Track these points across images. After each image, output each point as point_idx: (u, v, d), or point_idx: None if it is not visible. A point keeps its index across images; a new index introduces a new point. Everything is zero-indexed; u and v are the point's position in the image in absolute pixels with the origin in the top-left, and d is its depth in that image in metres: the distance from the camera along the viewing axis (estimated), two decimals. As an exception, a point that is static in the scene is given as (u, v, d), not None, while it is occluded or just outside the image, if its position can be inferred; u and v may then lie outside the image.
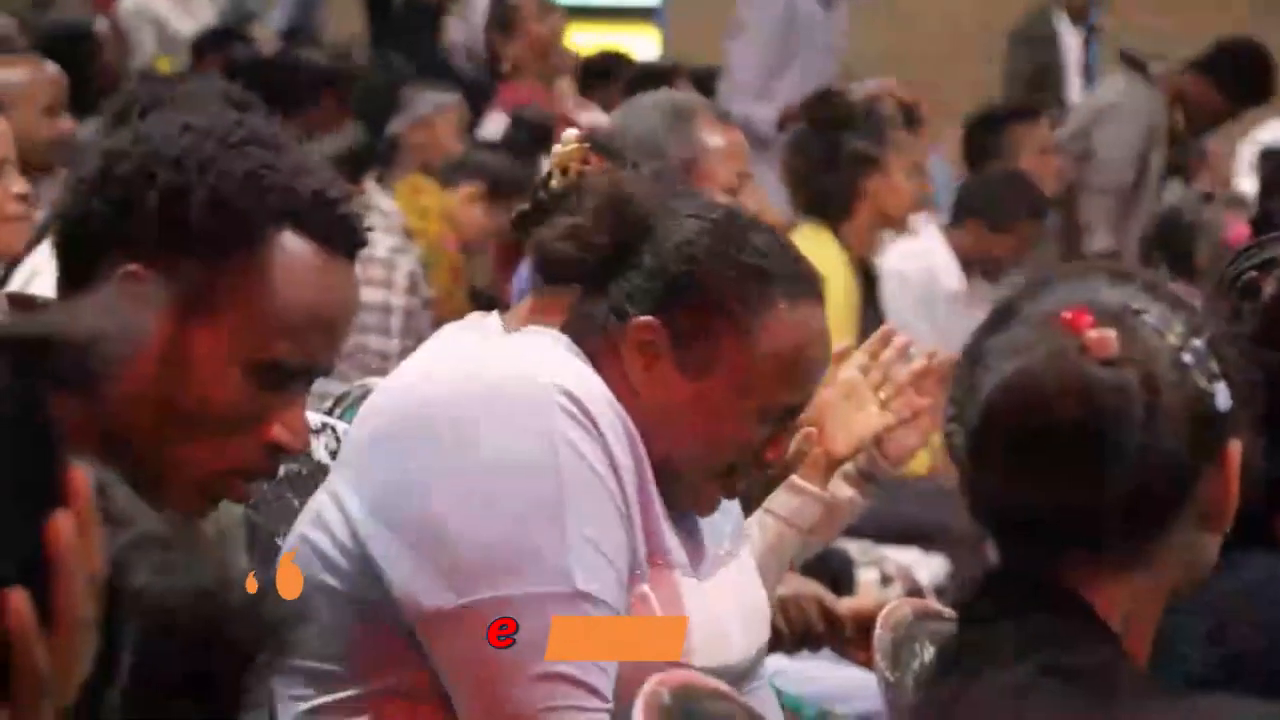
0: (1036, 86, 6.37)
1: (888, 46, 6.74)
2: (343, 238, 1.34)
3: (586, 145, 1.66)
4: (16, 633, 0.71)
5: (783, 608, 2.18)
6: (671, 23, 7.94)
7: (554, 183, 1.64)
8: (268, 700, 1.53)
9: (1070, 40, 6.64)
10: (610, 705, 1.53)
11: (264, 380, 1.31)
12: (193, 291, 1.29)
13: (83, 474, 0.73)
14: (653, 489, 1.58)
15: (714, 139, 2.63)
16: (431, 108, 5.00)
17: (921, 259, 4.32)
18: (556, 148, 1.68)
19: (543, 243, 1.62)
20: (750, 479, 1.67)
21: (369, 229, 1.38)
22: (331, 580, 1.54)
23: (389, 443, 1.55)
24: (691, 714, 1.37)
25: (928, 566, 3.21)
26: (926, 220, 4.44)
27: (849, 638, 2.18)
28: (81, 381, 0.73)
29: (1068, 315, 1.15)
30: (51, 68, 3.50)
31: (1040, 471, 1.15)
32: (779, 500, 1.89)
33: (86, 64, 3.84)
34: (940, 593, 3.09)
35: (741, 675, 1.63)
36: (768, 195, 3.93)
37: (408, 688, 1.54)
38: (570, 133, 1.70)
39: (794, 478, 1.90)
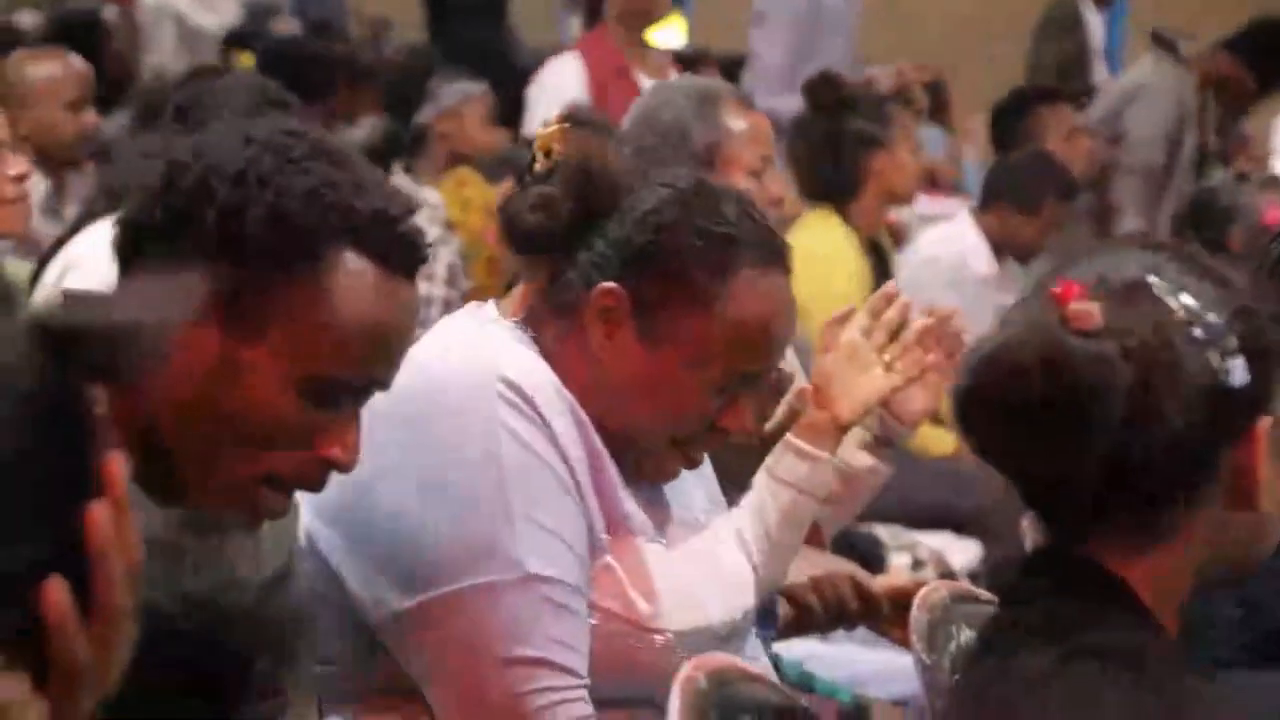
0: (1063, 73, 6.34)
1: (895, 41, 6.71)
2: (403, 256, 1.32)
3: (568, 125, 1.66)
4: (55, 622, 0.72)
5: (816, 587, 2.17)
6: (697, 10, 7.93)
7: (538, 165, 1.65)
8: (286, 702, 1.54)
9: (1095, 25, 6.61)
10: (586, 681, 1.54)
11: (318, 398, 1.30)
12: (250, 307, 1.28)
13: (119, 463, 0.74)
14: (609, 467, 1.58)
15: (738, 123, 2.64)
16: (459, 98, 5.00)
17: (953, 243, 4.32)
18: (539, 129, 1.68)
19: (511, 213, 1.63)
20: (711, 448, 1.67)
21: (429, 243, 1.36)
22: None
23: None
24: (727, 698, 1.38)
25: (961, 551, 3.20)
26: (959, 205, 4.44)
27: (884, 615, 2.17)
28: (117, 372, 0.74)
29: (1057, 288, 1.15)
30: (77, 62, 3.52)
31: (1021, 443, 1.15)
32: (788, 468, 1.89)
33: (95, 53, 3.84)
34: (974, 577, 3.09)
35: (722, 638, 1.64)
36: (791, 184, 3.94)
37: (382, 684, 1.55)
38: (553, 114, 1.70)
39: (801, 443, 1.89)
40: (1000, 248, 4.35)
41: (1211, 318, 1.14)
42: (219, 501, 1.30)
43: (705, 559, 1.67)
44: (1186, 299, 1.15)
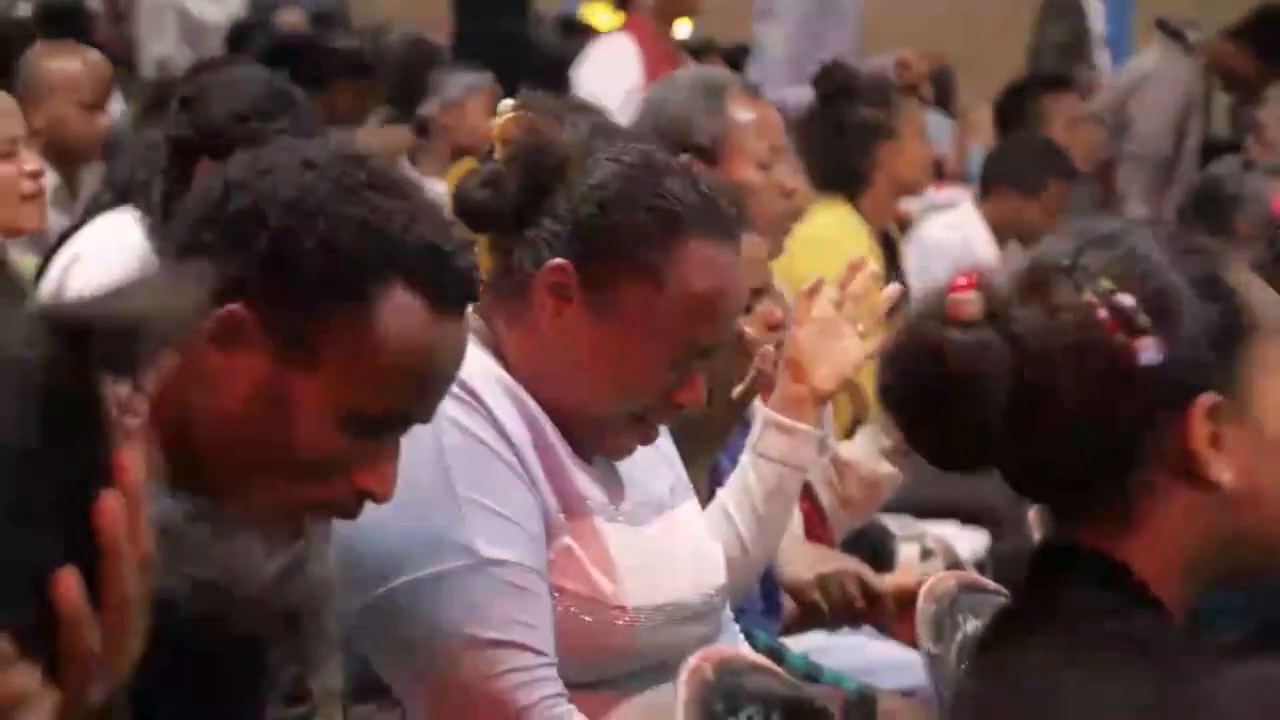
0: (1063, 58, 6.34)
1: (897, 29, 6.70)
2: (454, 291, 1.30)
3: (524, 112, 1.66)
4: (67, 613, 0.72)
5: (823, 584, 2.18)
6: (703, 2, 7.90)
7: (495, 154, 1.64)
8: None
9: (1096, 10, 6.62)
10: (552, 660, 1.54)
11: (360, 431, 1.28)
12: (297, 337, 1.26)
13: (132, 454, 0.74)
14: (559, 447, 1.58)
15: (745, 114, 2.64)
16: (462, 90, 4.99)
17: (957, 230, 4.32)
18: (494, 120, 1.68)
19: (461, 191, 1.63)
20: (666, 421, 1.67)
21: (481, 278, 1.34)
22: None
23: None
24: (733, 687, 1.38)
25: (967, 541, 3.20)
26: (964, 194, 4.44)
27: (890, 613, 2.17)
28: (129, 365, 0.74)
29: (949, 279, 1.16)
30: (98, 62, 3.50)
31: (926, 432, 1.16)
32: (770, 443, 1.90)
33: (81, 41, 3.83)
34: (980, 567, 3.09)
35: (691, 618, 1.64)
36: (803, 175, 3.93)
37: (352, 688, 1.55)
38: (506, 103, 1.69)
39: (781, 418, 1.90)
40: (1004, 232, 4.35)
41: (1121, 298, 1.13)
42: (264, 529, 1.28)
43: (670, 538, 1.67)
44: (1104, 283, 1.14)
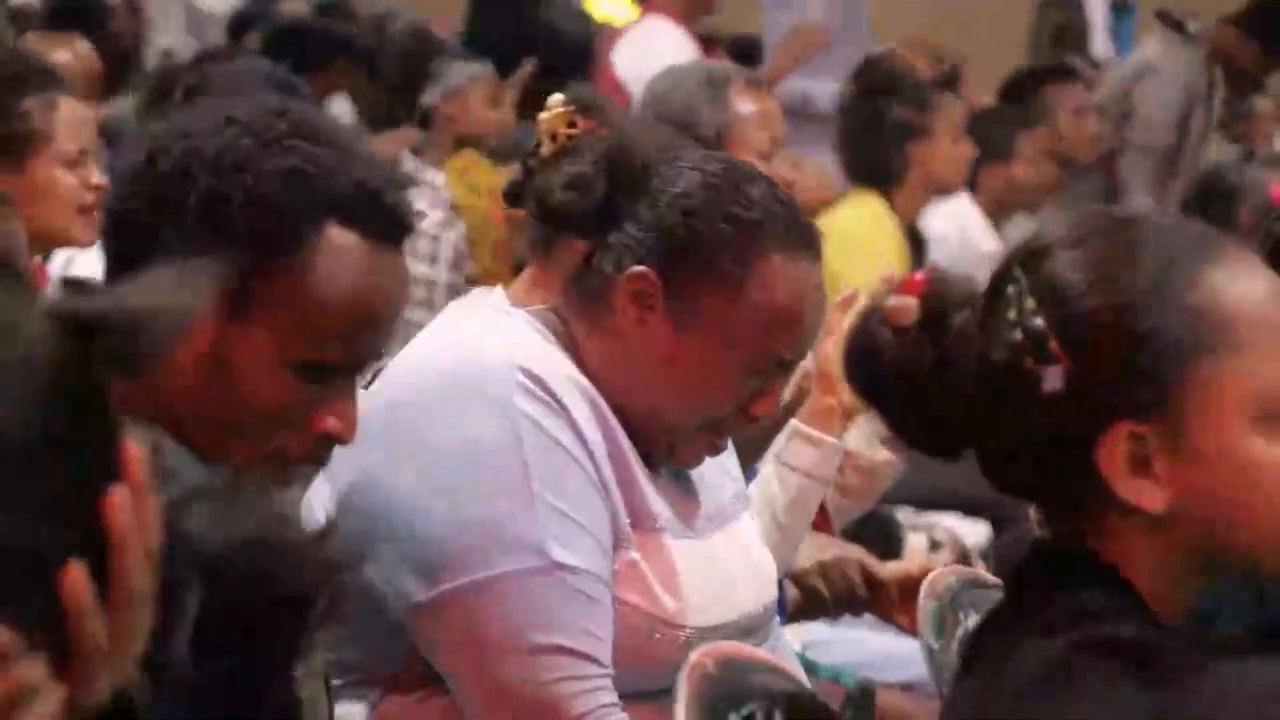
0: (1061, 44, 6.34)
1: (897, 19, 6.69)
2: (390, 227, 1.31)
3: (571, 108, 1.66)
4: (74, 607, 0.72)
5: (824, 572, 2.18)
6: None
7: (544, 149, 1.64)
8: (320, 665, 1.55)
9: (1093, 2, 6.62)
10: (610, 671, 1.54)
11: (313, 376, 1.29)
12: (237, 291, 1.27)
13: (138, 447, 0.74)
14: (630, 457, 1.59)
15: (747, 106, 2.65)
16: (464, 79, 4.98)
17: (954, 220, 4.33)
18: (542, 115, 1.67)
19: (544, 191, 1.63)
20: (739, 433, 1.67)
21: (419, 213, 1.36)
22: None
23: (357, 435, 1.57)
24: (734, 684, 1.38)
25: (973, 532, 3.21)
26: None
27: (892, 601, 2.17)
28: (136, 361, 0.74)
29: (902, 278, 1.18)
30: (87, 54, 3.50)
31: (889, 419, 1.18)
32: (796, 453, 1.90)
33: (97, 34, 3.83)
34: (985, 558, 3.09)
35: (747, 631, 1.64)
36: (828, 168, 3.93)
37: (404, 671, 1.55)
38: (555, 98, 1.69)
39: (808, 429, 1.90)
40: (999, 209, 4.37)
41: (1035, 322, 1.12)
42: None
43: (732, 551, 1.66)
44: (1028, 303, 1.12)
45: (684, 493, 1.65)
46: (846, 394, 1.91)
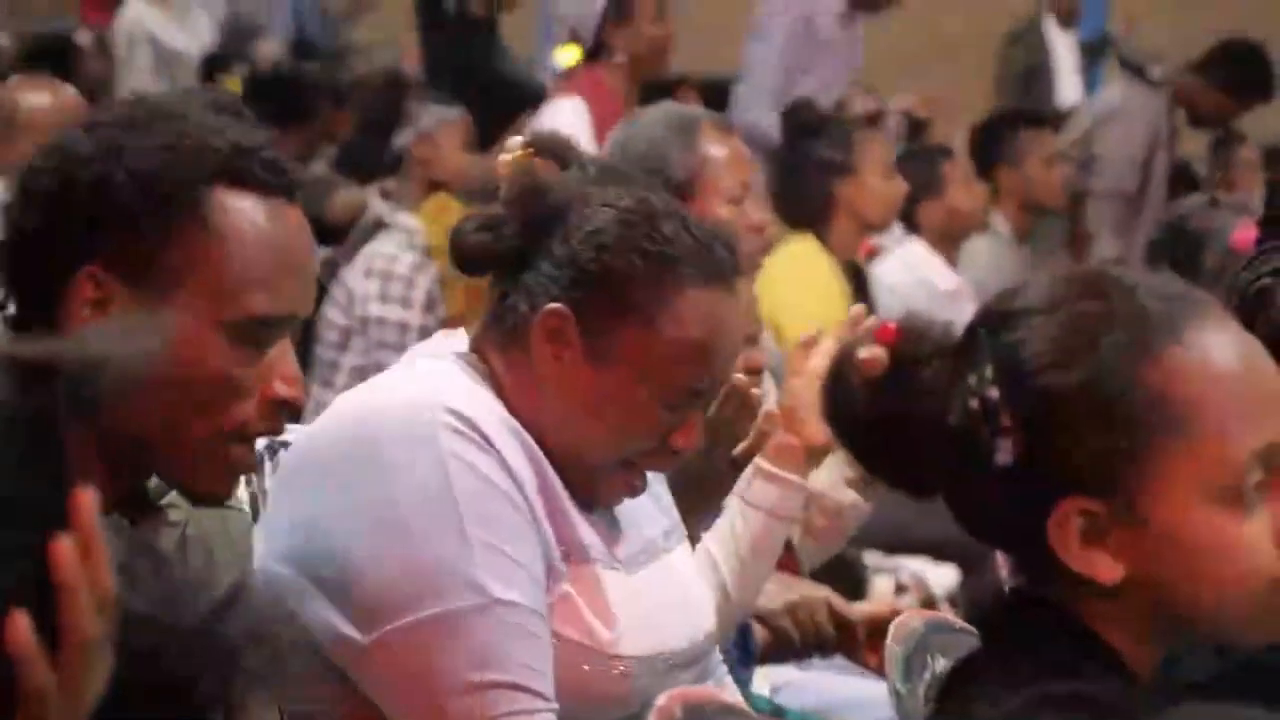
0: (1026, 88, 6.40)
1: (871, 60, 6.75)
2: (275, 179, 1.34)
3: (531, 151, 1.67)
4: (19, 654, 0.72)
5: (792, 613, 2.17)
6: (676, 35, 7.93)
7: (503, 193, 1.65)
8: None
9: (1060, 44, 6.68)
10: (554, 705, 1.54)
11: (245, 337, 1.31)
12: (147, 273, 1.29)
13: (88, 495, 0.74)
14: (561, 494, 1.59)
15: (717, 150, 2.65)
16: (435, 122, 4.99)
17: (912, 271, 4.35)
18: (503, 156, 1.69)
19: (458, 234, 1.64)
20: (662, 468, 1.68)
21: (392, 255, 1.37)
22: None
23: (290, 486, 1.58)
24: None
25: (940, 576, 3.21)
26: (902, 234, 4.46)
27: (860, 642, 2.17)
28: (90, 405, 0.74)
29: (880, 324, 1.19)
30: (70, 97, 3.49)
31: (862, 458, 1.19)
32: (758, 492, 1.90)
33: (69, 76, 3.82)
34: (953, 603, 3.09)
35: (684, 664, 1.64)
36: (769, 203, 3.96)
37: (362, 717, 1.55)
38: (515, 140, 1.70)
39: (771, 467, 1.90)
40: (948, 242, 4.42)
41: (990, 392, 1.11)
42: (191, 470, 1.31)
43: (664, 584, 1.67)
44: (987, 372, 1.12)
45: (613, 526, 1.65)
46: (811, 433, 1.91)
